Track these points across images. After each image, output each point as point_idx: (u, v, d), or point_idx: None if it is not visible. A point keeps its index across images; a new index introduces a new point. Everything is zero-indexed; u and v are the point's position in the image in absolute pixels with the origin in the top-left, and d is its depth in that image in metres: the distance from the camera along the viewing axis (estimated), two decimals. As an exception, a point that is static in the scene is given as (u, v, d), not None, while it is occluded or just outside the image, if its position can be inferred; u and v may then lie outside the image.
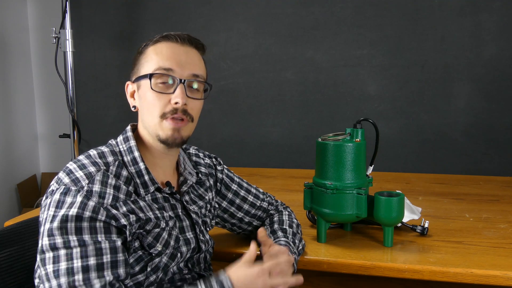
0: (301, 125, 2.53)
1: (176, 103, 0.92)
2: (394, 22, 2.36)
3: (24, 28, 3.03)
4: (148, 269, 0.92)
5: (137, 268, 0.90)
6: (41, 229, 0.84)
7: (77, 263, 0.79)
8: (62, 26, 2.38)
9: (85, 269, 0.79)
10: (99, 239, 0.82)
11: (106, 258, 0.82)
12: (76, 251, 0.80)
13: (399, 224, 1.29)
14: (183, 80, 0.93)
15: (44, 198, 0.88)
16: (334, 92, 2.47)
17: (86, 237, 0.81)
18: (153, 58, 0.94)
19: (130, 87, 1.00)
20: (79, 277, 0.79)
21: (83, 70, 2.75)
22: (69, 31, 2.39)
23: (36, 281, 0.93)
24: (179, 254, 0.97)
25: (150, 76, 0.93)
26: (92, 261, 0.80)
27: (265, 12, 2.52)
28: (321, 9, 2.44)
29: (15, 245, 1.04)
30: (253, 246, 0.91)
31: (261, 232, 1.02)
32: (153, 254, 0.92)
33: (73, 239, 0.81)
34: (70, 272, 0.79)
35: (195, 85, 0.96)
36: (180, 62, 0.94)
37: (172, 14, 2.64)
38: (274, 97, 2.56)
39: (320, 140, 1.21)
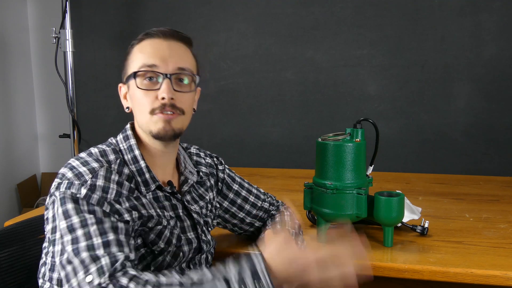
0: (301, 125, 2.53)
1: (162, 98, 0.91)
2: (394, 22, 2.36)
3: (24, 28, 3.03)
4: (152, 268, 0.92)
5: (140, 267, 0.90)
6: (48, 227, 0.84)
7: (97, 240, 0.78)
8: (62, 26, 2.38)
9: (106, 244, 0.78)
10: (113, 219, 0.82)
11: (122, 237, 0.81)
12: (94, 229, 0.79)
13: (399, 224, 1.29)
14: (168, 75, 0.92)
15: (48, 198, 0.88)
16: (334, 92, 2.47)
17: (100, 215, 0.81)
18: (138, 56, 0.95)
19: (122, 89, 1.01)
20: (100, 251, 0.77)
21: (83, 70, 2.75)
22: (69, 31, 2.38)
23: (40, 281, 0.93)
24: (181, 254, 0.97)
25: (135, 74, 0.93)
26: (111, 236, 0.80)
27: (265, 12, 2.52)
28: (321, 9, 2.44)
29: (15, 245, 1.04)
30: None
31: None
32: (156, 252, 0.92)
33: (90, 216, 0.80)
34: (90, 248, 0.77)
35: (184, 79, 0.95)
36: (164, 57, 0.93)
37: (172, 14, 2.64)
38: (274, 97, 2.56)
39: (320, 140, 1.21)
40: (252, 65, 2.56)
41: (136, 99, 0.94)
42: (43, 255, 0.94)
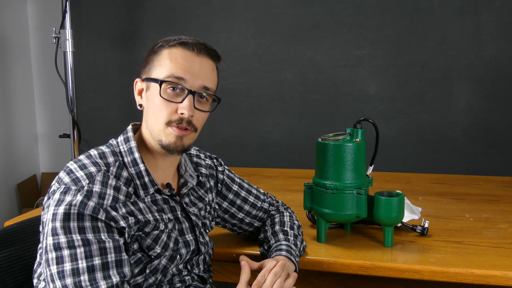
0: (301, 125, 2.53)
1: (182, 113, 0.92)
2: (394, 22, 2.36)
3: (24, 28, 3.03)
4: (147, 271, 0.92)
5: (136, 270, 0.90)
6: (45, 230, 0.84)
7: (82, 264, 0.79)
8: (62, 26, 2.38)
9: (90, 269, 0.80)
10: (103, 238, 0.82)
11: (111, 257, 0.82)
12: (80, 251, 0.80)
13: (399, 224, 1.29)
14: (192, 91, 0.92)
15: (45, 198, 0.88)
16: (334, 92, 2.47)
17: (90, 236, 0.81)
18: (167, 63, 0.93)
19: (139, 84, 0.99)
20: (84, 277, 0.79)
21: (83, 70, 2.75)
22: (69, 31, 2.39)
23: (35, 281, 0.93)
24: (178, 256, 0.97)
25: (161, 82, 0.92)
26: (97, 260, 0.80)
27: (265, 12, 2.52)
28: (321, 9, 2.44)
29: (15, 245, 1.04)
30: (245, 266, 0.95)
31: (243, 261, 1.00)
32: (152, 256, 0.92)
33: (76, 238, 0.80)
34: (75, 272, 0.79)
35: (204, 97, 0.96)
36: (194, 72, 0.93)
37: (172, 14, 2.64)
38: (274, 97, 2.56)
39: (320, 140, 1.21)
40: (252, 65, 2.56)
41: (155, 105, 0.93)
42: (38, 256, 0.94)
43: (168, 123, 0.92)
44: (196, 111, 0.94)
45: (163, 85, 0.92)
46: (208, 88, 0.96)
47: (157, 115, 0.93)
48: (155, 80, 0.93)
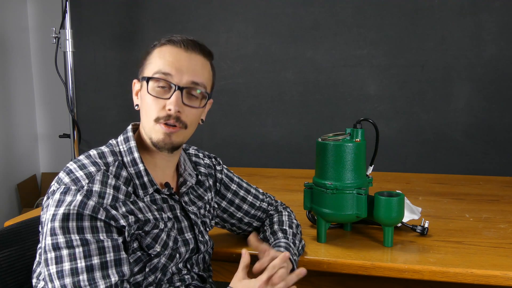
0: (301, 125, 2.53)
1: (169, 109, 0.91)
2: (394, 22, 2.36)
3: (24, 28, 3.02)
4: (147, 269, 0.92)
5: (135, 269, 0.91)
6: (44, 230, 0.84)
7: (81, 263, 0.80)
8: (62, 26, 2.38)
9: (89, 269, 0.80)
10: (101, 237, 0.83)
11: (109, 256, 0.82)
12: (79, 251, 0.80)
13: (399, 224, 1.29)
14: (180, 87, 0.92)
15: (45, 198, 0.88)
16: (334, 92, 2.47)
17: (88, 236, 0.82)
18: (156, 61, 0.94)
19: (136, 85, 1.00)
20: (83, 277, 0.79)
21: (83, 70, 2.75)
22: (69, 31, 2.39)
23: (34, 281, 0.93)
24: (177, 255, 0.97)
25: (148, 79, 0.93)
26: (95, 260, 0.81)
27: (265, 12, 2.52)
28: (321, 9, 2.44)
29: (15, 245, 1.04)
30: (245, 253, 0.95)
31: (251, 241, 1.01)
32: (152, 255, 0.92)
33: (75, 238, 0.81)
34: (74, 272, 0.79)
35: (194, 93, 0.95)
36: (180, 68, 0.93)
37: (172, 14, 2.64)
38: (274, 97, 2.56)
39: (320, 140, 1.21)
40: (252, 65, 2.56)
41: (145, 103, 0.94)
42: (37, 256, 0.94)
43: (156, 120, 0.92)
44: (186, 107, 0.93)
45: (150, 82, 0.93)
46: (198, 83, 0.95)
47: (147, 113, 0.94)
48: (144, 78, 0.94)
